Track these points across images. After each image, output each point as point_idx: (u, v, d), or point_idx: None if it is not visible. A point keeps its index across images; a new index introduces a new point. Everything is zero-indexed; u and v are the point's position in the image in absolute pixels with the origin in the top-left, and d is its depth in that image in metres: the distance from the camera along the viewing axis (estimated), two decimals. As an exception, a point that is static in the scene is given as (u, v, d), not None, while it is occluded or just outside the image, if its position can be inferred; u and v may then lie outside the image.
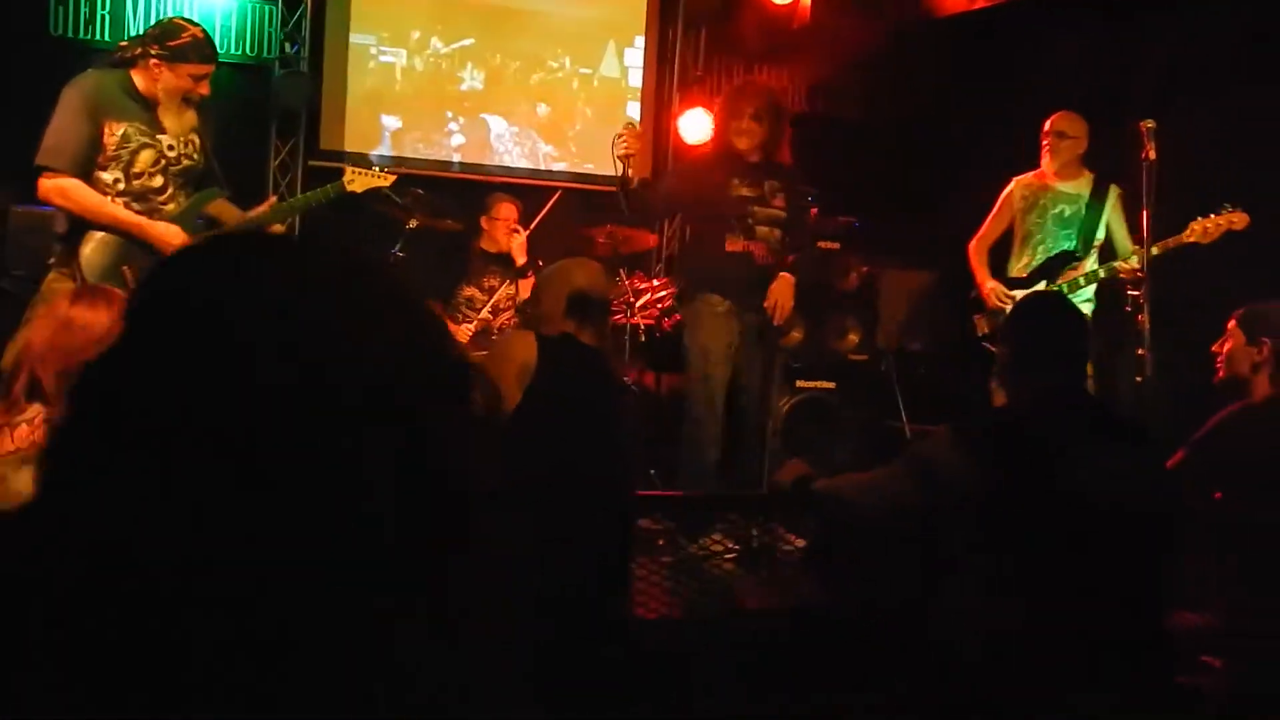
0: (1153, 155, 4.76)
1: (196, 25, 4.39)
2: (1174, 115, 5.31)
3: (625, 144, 5.06)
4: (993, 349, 5.49)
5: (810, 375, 6.80)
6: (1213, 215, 4.99)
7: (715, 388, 5.22)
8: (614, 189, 5.22)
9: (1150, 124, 4.81)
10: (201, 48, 4.31)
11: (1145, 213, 4.76)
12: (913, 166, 7.81)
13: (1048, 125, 5.56)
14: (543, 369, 3.28)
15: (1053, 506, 2.76)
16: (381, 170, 5.02)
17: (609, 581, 3.28)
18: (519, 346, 3.35)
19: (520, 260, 6.44)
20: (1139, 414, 4.84)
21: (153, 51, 4.25)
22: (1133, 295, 4.81)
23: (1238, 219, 4.97)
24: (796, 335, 6.73)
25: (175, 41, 4.25)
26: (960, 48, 7.51)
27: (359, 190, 4.88)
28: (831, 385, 6.81)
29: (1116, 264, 5.26)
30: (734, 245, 5.23)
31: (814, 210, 7.42)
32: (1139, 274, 4.97)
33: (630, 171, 5.12)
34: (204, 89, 4.35)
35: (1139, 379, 4.72)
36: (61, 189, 4.17)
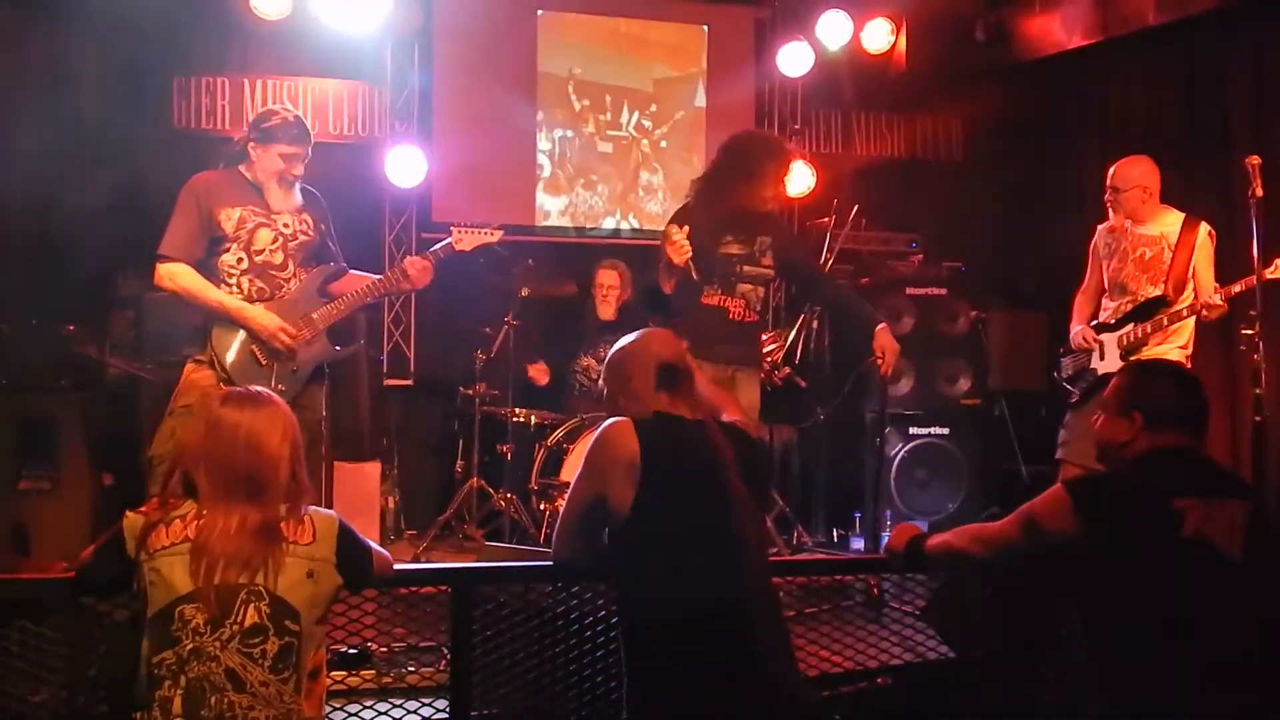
0: (1260, 191, 4.68)
1: (290, 110, 4.60)
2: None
3: (684, 250, 4.74)
4: (1071, 389, 5.37)
5: (923, 422, 6.81)
6: None
7: None
8: None
9: (1256, 160, 4.71)
10: (289, 129, 4.50)
11: (1255, 250, 4.67)
12: (1019, 208, 7.78)
13: (1106, 180, 5.30)
14: (649, 458, 2.97)
15: (1162, 565, 2.78)
16: (490, 229, 4.96)
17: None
18: (619, 440, 3.03)
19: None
20: (1260, 452, 4.79)
21: (250, 136, 4.51)
22: (1247, 335, 4.71)
23: None
24: (906, 383, 6.75)
25: (266, 124, 4.49)
26: (1059, 86, 7.49)
27: (468, 249, 4.86)
28: (945, 430, 6.81)
29: (1198, 303, 5.00)
30: (710, 299, 5.02)
31: (918, 256, 7.46)
32: (1222, 310, 4.90)
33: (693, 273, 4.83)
34: (296, 169, 4.51)
35: (1258, 418, 4.65)
36: (170, 273, 4.40)
